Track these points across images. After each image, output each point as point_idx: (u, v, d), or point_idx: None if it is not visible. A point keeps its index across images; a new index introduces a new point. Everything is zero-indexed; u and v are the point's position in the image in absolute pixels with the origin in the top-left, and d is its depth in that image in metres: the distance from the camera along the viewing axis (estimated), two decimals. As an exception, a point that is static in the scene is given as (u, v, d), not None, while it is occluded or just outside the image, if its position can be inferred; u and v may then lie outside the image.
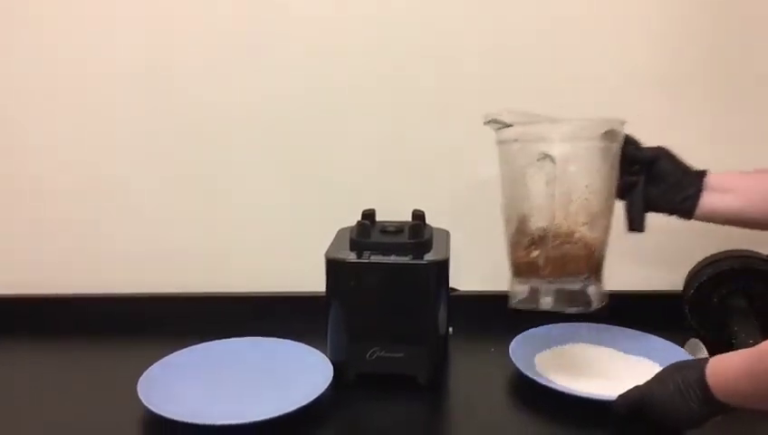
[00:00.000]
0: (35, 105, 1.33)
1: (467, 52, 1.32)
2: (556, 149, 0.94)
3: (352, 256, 1.13)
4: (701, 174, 1.02)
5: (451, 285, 1.18)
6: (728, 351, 0.94)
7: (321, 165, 1.35)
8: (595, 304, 0.98)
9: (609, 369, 1.16)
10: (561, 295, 0.97)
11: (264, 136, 1.35)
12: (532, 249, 0.96)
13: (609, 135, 0.96)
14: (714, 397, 0.85)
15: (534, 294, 0.98)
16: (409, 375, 1.13)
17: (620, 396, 0.96)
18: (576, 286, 0.97)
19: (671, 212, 1.02)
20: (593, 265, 0.99)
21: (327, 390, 1.07)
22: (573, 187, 0.95)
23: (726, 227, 1.34)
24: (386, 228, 1.18)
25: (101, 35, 1.31)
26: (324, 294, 1.15)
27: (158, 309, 1.34)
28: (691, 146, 1.25)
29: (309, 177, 1.36)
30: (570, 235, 0.96)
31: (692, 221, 1.15)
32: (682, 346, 1.18)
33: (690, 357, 1.12)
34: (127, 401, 1.05)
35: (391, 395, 1.11)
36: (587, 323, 1.22)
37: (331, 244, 1.18)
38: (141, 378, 1.09)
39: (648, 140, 1.26)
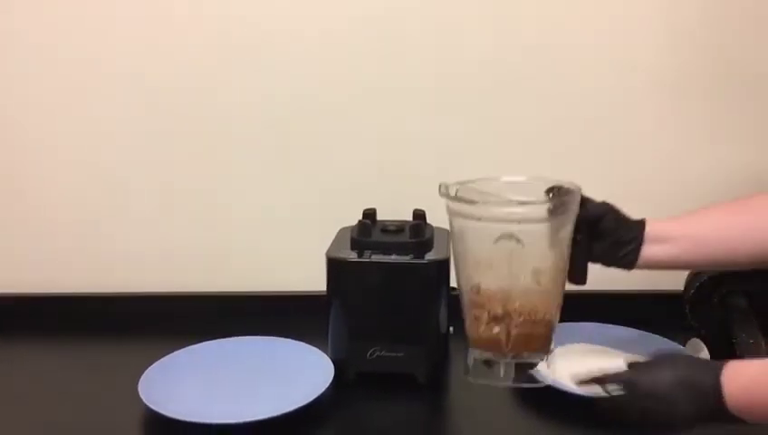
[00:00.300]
0: (36, 106, 1.33)
1: (468, 50, 1.32)
2: (518, 229, 0.95)
3: (353, 256, 1.13)
4: (640, 226, 1.01)
5: (452, 284, 1.17)
6: (729, 350, 0.94)
7: (322, 164, 1.35)
8: (549, 380, 1.00)
9: (609, 369, 1.15)
10: (521, 371, 0.99)
11: (264, 135, 1.35)
12: (493, 325, 0.98)
13: (568, 207, 0.97)
14: (725, 405, 0.81)
15: (495, 368, 0.99)
16: (410, 374, 1.13)
17: (611, 375, 0.91)
18: (536, 361, 0.99)
19: (613, 266, 1.03)
20: (551, 339, 1.01)
21: (327, 389, 1.07)
22: (534, 264, 0.96)
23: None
24: (387, 228, 1.17)
25: (102, 35, 1.31)
26: (325, 294, 1.15)
27: (159, 308, 1.34)
28: (691, 146, 1.26)
29: (310, 176, 1.36)
30: (532, 312, 0.98)
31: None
32: (683, 346, 1.18)
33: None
34: (128, 400, 1.05)
35: (392, 394, 1.11)
36: (587, 323, 1.23)
37: (332, 243, 1.18)
38: (142, 377, 1.09)
39: (647, 141, 1.27)
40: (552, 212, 0.95)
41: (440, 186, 1.00)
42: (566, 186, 0.99)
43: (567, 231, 0.97)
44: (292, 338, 1.21)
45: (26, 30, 1.30)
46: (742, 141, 1.32)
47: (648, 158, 1.35)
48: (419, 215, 1.19)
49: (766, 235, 0.99)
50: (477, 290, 0.99)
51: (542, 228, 0.96)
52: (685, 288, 1.30)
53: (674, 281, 1.33)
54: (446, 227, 1.17)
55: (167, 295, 1.35)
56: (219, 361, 1.17)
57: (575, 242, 0.99)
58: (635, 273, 1.33)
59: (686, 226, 1.01)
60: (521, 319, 0.97)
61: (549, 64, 1.32)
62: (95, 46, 1.31)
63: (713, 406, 0.81)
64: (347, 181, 1.35)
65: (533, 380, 0.99)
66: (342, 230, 1.21)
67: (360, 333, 1.13)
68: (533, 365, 0.99)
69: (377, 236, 1.16)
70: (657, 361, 0.88)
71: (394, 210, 1.20)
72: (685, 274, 1.32)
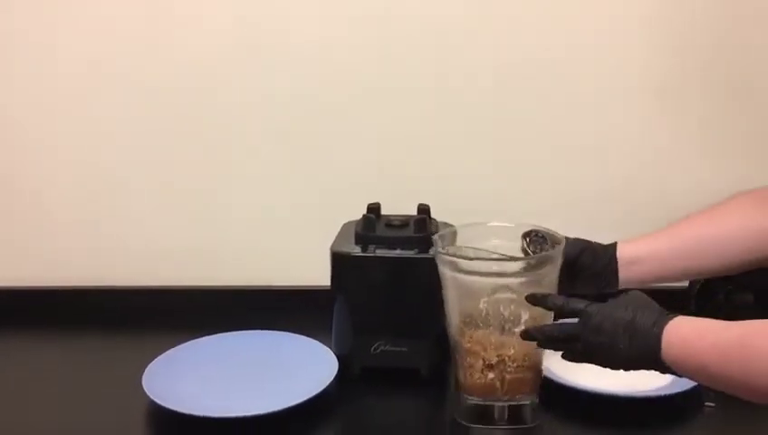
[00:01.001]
0: (36, 106, 1.33)
1: (469, 48, 1.32)
2: (510, 282, 0.98)
3: (357, 250, 1.13)
4: (612, 252, 1.04)
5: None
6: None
7: (327, 159, 1.35)
8: (538, 420, 1.04)
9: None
10: (514, 413, 1.02)
11: (266, 134, 1.35)
12: (487, 372, 1.00)
13: (554, 256, 1.01)
14: (660, 352, 0.82)
15: (489, 411, 1.02)
16: (414, 369, 1.12)
17: (571, 304, 0.92)
18: (527, 402, 1.03)
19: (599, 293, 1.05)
20: (541, 379, 1.04)
21: (331, 384, 1.06)
22: (528, 313, 0.98)
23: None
24: (391, 222, 1.17)
25: (102, 35, 1.30)
26: (329, 288, 1.14)
27: (164, 302, 1.33)
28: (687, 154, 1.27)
29: (315, 171, 1.35)
30: (526, 357, 1.00)
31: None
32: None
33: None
34: (131, 393, 1.05)
35: (396, 389, 1.11)
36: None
37: (337, 237, 1.17)
38: (146, 371, 1.08)
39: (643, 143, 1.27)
40: (534, 266, 0.99)
41: (433, 240, 1.04)
42: (544, 233, 1.03)
43: (554, 277, 1.00)
44: (297, 333, 1.20)
45: (26, 30, 1.30)
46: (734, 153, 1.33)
47: (634, 161, 1.36)
48: (424, 209, 1.19)
49: (730, 246, 1.02)
50: (470, 339, 1.01)
51: (533, 277, 0.99)
52: (690, 285, 1.30)
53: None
54: (451, 221, 1.18)
55: (171, 289, 1.35)
56: (223, 355, 1.17)
57: (560, 283, 1.02)
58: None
59: (655, 244, 1.04)
60: (515, 365, 1.00)
61: (548, 65, 1.32)
62: (95, 46, 1.31)
63: (650, 352, 0.83)
64: (352, 175, 1.34)
65: (528, 420, 1.03)
66: (347, 225, 1.21)
67: (365, 327, 1.13)
68: (525, 407, 1.03)
69: (381, 230, 1.15)
70: (616, 301, 0.89)
71: (399, 205, 1.20)
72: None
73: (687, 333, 0.82)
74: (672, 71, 1.32)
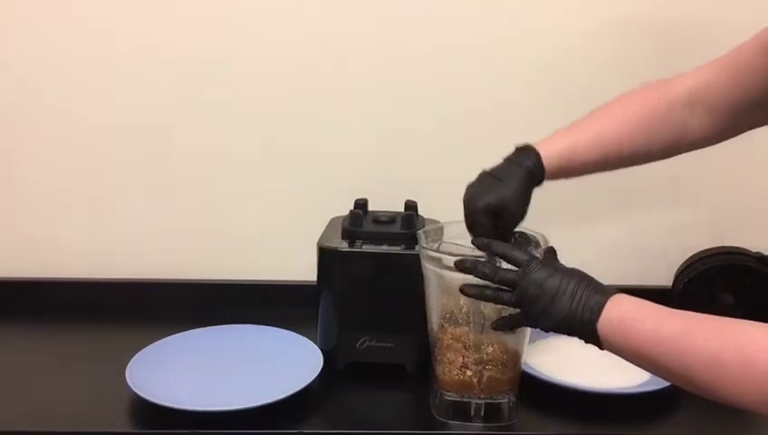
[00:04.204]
0: (36, 106, 1.33)
1: (464, 44, 1.32)
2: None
3: (344, 245, 1.13)
4: (537, 164, 0.99)
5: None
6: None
7: (314, 155, 1.35)
8: (515, 418, 1.04)
9: (594, 361, 1.15)
10: (490, 410, 1.03)
11: (257, 128, 1.35)
12: (466, 370, 1.01)
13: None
14: (596, 325, 0.82)
15: (466, 408, 1.03)
16: (399, 365, 1.13)
17: (518, 252, 0.91)
18: (504, 400, 1.03)
19: None
20: (518, 380, 1.05)
21: (316, 378, 1.07)
22: (507, 312, 0.97)
23: (716, 226, 1.36)
24: (378, 218, 1.17)
25: (102, 30, 1.30)
26: (315, 283, 1.15)
27: (148, 295, 1.33)
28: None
29: (303, 166, 1.35)
30: (503, 356, 1.01)
31: (684, 220, 1.22)
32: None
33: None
34: (115, 386, 1.05)
35: (380, 384, 1.12)
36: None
37: (324, 232, 1.17)
38: (130, 364, 1.08)
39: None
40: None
41: (417, 235, 1.04)
42: (529, 234, 1.02)
43: None
44: (282, 327, 1.21)
45: (26, 30, 1.30)
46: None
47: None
48: (411, 206, 1.19)
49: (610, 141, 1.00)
50: (450, 335, 1.02)
51: None
52: (673, 284, 1.31)
53: (662, 277, 1.35)
54: (438, 218, 1.18)
55: (155, 282, 1.35)
56: (208, 348, 1.17)
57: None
58: (624, 268, 1.35)
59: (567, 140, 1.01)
60: (493, 363, 1.01)
61: (545, 67, 1.32)
62: (95, 44, 1.30)
63: (588, 319, 0.82)
64: (340, 171, 1.35)
65: (504, 418, 1.03)
66: (334, 220, 1.21)
67: (350, 322, 1.13)
68: (502, 405, 1.03)
69: (368, 226, 1.16)
70: (564, 267, 0.88)
71: (386, 201, 1.20)
72: (674, 270, 1.33)
73: (627, 313, 0.81)
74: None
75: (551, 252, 0.94)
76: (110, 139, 1.34)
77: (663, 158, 1.03)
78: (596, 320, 0.82)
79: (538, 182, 0.98)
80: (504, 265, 0.91)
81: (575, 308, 0.83)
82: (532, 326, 0.90)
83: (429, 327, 1.05)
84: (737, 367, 0.72)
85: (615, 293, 0.84)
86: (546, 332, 0.87)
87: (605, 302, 0.82)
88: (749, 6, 1.26)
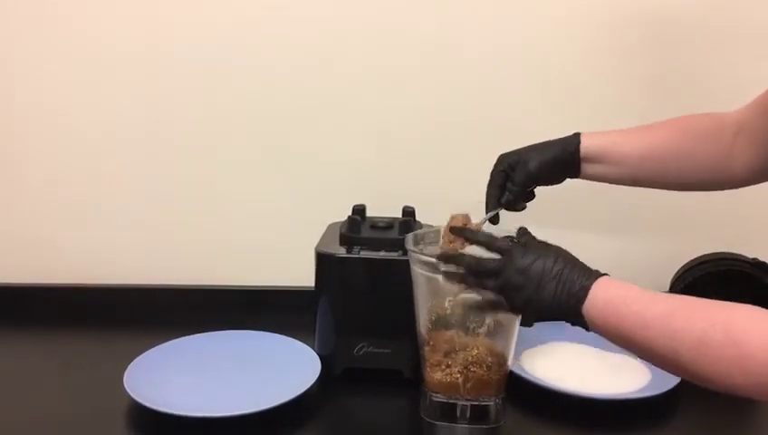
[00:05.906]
0: (36, 106, 1.33)
1: (462, 50, 1.32)
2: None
3: (342, 251, 1.13)
4: (576, 143, 1.05)
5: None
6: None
7: (313, 160, 1.35)
8: (502, 420, 1.04)
9: (592, 366, 1.16)
10: (477, 412, 1.03)
11: (255, 133, 1.35)
12: (452, 371, 1.02)
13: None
14: (581, 308, 0.82)
15: (453, 409, 1.03)
16: (396, 370, 1.13)
17: (499, 239, 0.91)
18: (491, 402, 1.04)
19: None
20: (505, 383, 1.05)
21: (314, 384, 1.07)
22: (494, 316, 1.00)
23: (712, 230, 1.37)
24: (376, 224, 1.18)
25: (102, 33, 1.31)
26: (313, 289, 1.15)
27: (146, 301, 1.33)
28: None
29: (301, 172, 1.36)
30: (489, 359, 1.02)
31: (680, 220, 1.23)
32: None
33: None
34: (114, 392, 1.05)
35: (378, 390, 1.12)
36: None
37: (322, 238, 1.18)
38: (128, 369, 1.08)
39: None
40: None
41: (405, 238, 1.05)
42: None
43: None
44: (280, 333, 1.21)
45: (26, 29, 1.30)
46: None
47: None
48: (409, 212, 1.19)
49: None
50: (437, 337, 1.02)
51: None
52: (670, 289, 1.32)
53: (659, 283, 1.35)
54: (435, 223, 1.18)
55: (154, 288, 1.35)
56: (206, 354, 1.17)
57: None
58: (619, 274, 1.34)
59: (620, 145, 1.05)
60: (479, 365, 1.01)
61: (545, 67, 1.33)
62: (96, 45, 1.30)
63: (574, 303, 0.82)
64: (338, 177, 1.35)
65: (491, 420, 1.03)
66: (332, 226, 1.21)
67: (348, 328, 1.13)
68: (489, 407, 1.03)
69: (366, 232, 1.16)
70: (547, 247, 0.88)
71: (384, 207, 1.20)
72: (670, 276, 1.34)
73: (614, 296, 0.81)
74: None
75: (524, 232, 0.93)
76: (109, 145, 1.34)
77: (702, 182, 1.05)
78: (582, 304, 0.82)
79: (571, 161, 1.04)
80: (487, 255, 0.91)
81: (560, 294, 0.83)
82: (516, 313, 0.90)
83: (418, 329, 1.05)
84: (723, 349, 0.72)
85: (600, 275, 0.84)
86: (531, 318, 0.88)
87: (590, 286, 0.82)
88: (749, 6, 1.26)
